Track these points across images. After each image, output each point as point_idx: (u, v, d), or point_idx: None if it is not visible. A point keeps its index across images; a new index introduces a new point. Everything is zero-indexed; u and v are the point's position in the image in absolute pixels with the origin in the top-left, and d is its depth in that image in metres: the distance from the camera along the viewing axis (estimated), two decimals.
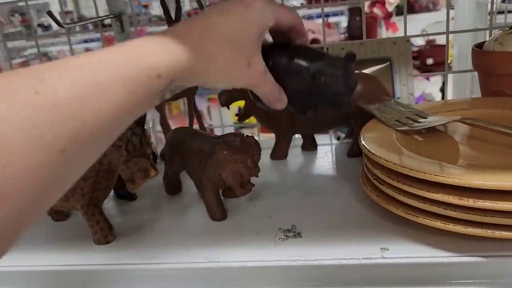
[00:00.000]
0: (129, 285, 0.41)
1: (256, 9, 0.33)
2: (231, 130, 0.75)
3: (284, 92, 0.37)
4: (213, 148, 0.43)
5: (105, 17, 0.64)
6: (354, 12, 2.25)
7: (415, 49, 2.13)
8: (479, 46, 0.57)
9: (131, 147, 0.41)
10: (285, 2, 0.65)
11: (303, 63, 0.36)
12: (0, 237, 0.21)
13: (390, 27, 2.25)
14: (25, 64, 2.29)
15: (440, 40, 2.00)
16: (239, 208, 0.48)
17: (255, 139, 0.44)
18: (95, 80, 0.24)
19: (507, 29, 0.54)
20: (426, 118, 0.49)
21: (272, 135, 0.62)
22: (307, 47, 0.38)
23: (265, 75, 0.35)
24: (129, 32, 0.67)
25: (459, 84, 1.09)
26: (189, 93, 0.61)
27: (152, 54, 0.28)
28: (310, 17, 2.26)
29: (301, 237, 0.41)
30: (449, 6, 0.65)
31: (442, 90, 1.49)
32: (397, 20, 2.26)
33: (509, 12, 0.81)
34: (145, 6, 2.76)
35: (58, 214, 0.50)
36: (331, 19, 2.37)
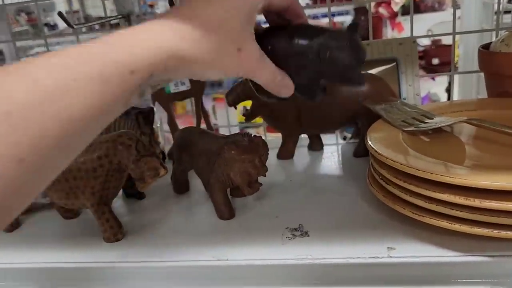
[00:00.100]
0: (139, 282, 0.42)
1: None
2: (236, 129, 0.75)
3: (288, 77, 0.34)
4: (221, 148, 0.44)
5: (114, 18, 0.65)
6: (360, 12, 2.25)
7: (420, 49, 2.13)
8: (486, 47, 0.57)
9: (141, 146, 0.42)
10: None
11: (304, 41, 0.33)
12: None
13: (396, 27, 2.25)
14: None
15: (446, 40, 2.00)
16: (247, 208, 0.48)
17: (262, 139, 0.45)
18: (58, 82, 0.23)
19: None
20: (433, 118, 0.49)
21: (278, 135, 0.63)
22: (306, 24, 0.36)
23: (261, 60, 0.32)
24: None
25: (465, 85, 1.09)
26: (197, 93, 0.61)
27: (122, 49, 0.26)
28: (315, 17, 2.26)
29: (308, 236, 0.41)
30: (455, 6, 0.66)
31: (448, 90, 1.49)
32: (403, 20, 2.25)
33: None
34: (151, 6, 2.77)
35: (68, 212, 0.51)
36: (337, 19, 2.36)
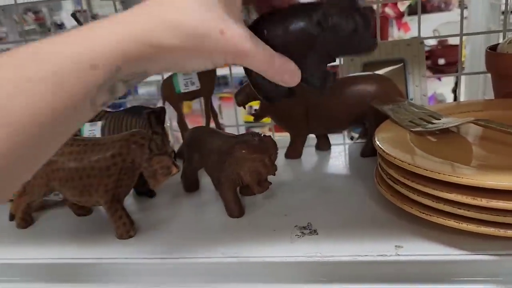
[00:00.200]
0: (151, 278, 0.43)
1: None
2: (242, 129, 0.76)
3: (291, 62, 0.31)
4: (232, 147, 0.44)
5: None
6: None
7: (426, 49, 2.11)
8: (493, 48, 0.58)
9: (154, 145, 0.43)
10: None
11: (302, 15, 0.31)
12: None
13: (402, 27, 2.24)
14: None
15: (452, 40, 2.00)
16: (256, 206, 0.49)
17: (272, 139, 0.46)
18: (7, 83, 0.21)
19: None
20: (440, 119, 0.49)
21: (286, 135, 0.64)
22: (299, 2, 0.33)
23: (252, 42, 0.28)
24: None
25: (472, 85, 1.09)
26: (206, 93, 0.62)
27: (81, 43, 0.24)
28: None
29: (317, 234, 0.42)
30: (463, 7, 0.66)
31: (454, 91, 1.49)
32: (409, 20, 2.25)
33: None
34: None
35: (81, 209, 0.52)
36: None
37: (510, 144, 0.43)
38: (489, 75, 0.60)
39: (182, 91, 0.61)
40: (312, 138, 0.64)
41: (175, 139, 0.73)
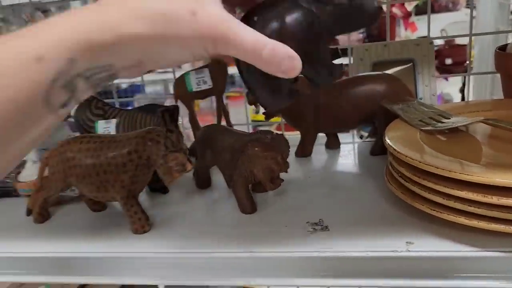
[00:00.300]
0: (165, 272, 0.43)
1: None
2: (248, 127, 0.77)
3: (286, 46, 0.26)
4: (245, 145, 0.45)
5: None
6: None
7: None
8: (502, 48, 0.58)
9: (169, 142, 0.44)
10: None
11: None
12: None
13: (409, 26, 2.24)
14: None
15: (459, 40, 1.99)
16: (267, 203, 0.50)
17: (284, 137, 0.47)
18: None
19: None
20: (449, 118, 0.50)
21: (295, 133, 0.64)
22: None
23: (232, 23, 0.25)
24: None
25: (479, 85, 1.09)
26: (218, 92, 0.63)
27: (28, 36, 0.22)
28: None
29: (328, 230, 0.43)
30: (472, 7, 0.66)
31: (462, 90, 1.49)
32: (416, 19, 2.25)
33: None
34: None
35: (96, 204, 0.53)
36: None
37: None
38: (497, 75, 0.61)
39: (194, 89, 0.62)
40: (321, 136, 0.65)
41: (187, 137, 0.74)
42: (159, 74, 2.25)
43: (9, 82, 0.21)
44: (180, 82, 0.63)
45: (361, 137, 0.68)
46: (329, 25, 0.28)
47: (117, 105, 0.71)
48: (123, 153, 0.45)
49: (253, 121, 1.43)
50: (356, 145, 0.66)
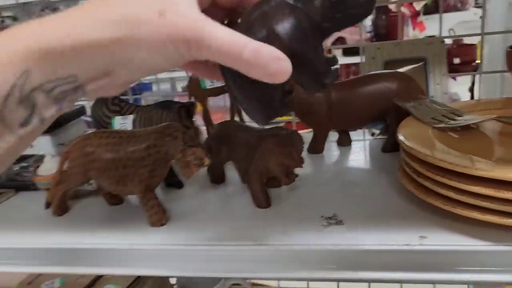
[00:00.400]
0: (182, 264, 0.45)
1: None
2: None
3: (271, 47, 0.23)
4: (261, 140, 0.46)
5: None
6: (380, 11, 2.25)
7: None
8: None
9: (187, 137, 0.45)
10: None
11: None
12: None
13: (417, 26, 2.24)
14: None
15: (467, 39, 1.99)
16: (281, 198, 0.51)
17: (298, 133, 0.48)
18: None
19: None
20: (461, 116, 0.51)
21: (307, 130, 0.65)
22: None
23: (205, 24, 0.23)
24: None
25: (488, 84, 1.09)
26: None
27: None
28: None
29: (342, 224, 0.44)
30: (484, 7, 0.67)
31: (471, 90, 1.49)
32: (424, 19, 2.25)
33: None
34: None
35: (114, 198, 0.54)
36: None
37: None
38: (506, 74, 0.61)
39: (208, 87, 0.63)
40: (332, 134, 0.66)
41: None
42: (166, 72, 2.26)
43: None
44: (194, 80, 0.64)
45: (372, 134, 0.69)
46: (319, 21, 0.25)
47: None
48: (142, 148, 0.46)
49: None
50: (367, 143, 0.66)
